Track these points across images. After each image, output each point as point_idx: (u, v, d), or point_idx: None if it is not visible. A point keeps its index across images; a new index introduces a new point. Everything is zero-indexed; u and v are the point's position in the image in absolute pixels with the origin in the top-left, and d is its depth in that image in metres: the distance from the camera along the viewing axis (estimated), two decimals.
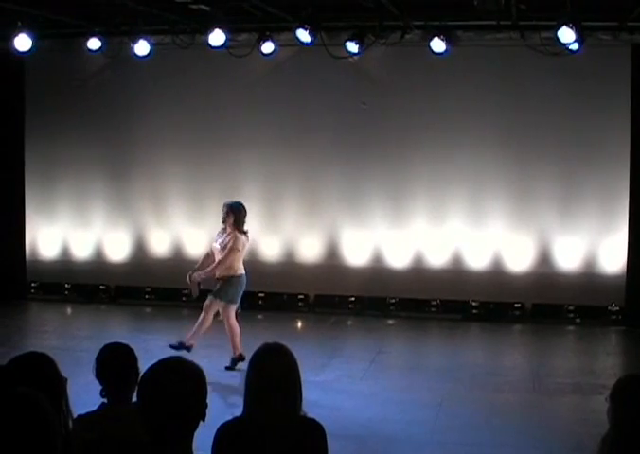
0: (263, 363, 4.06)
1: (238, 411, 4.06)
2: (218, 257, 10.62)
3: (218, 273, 10.59)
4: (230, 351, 10.69)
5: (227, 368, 10.55)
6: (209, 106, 14.70)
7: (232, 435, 4.02)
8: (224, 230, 10.76)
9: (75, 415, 4.05)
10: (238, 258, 10.65)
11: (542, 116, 13.71)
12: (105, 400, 4.61)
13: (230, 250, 10.51)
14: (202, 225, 14.36)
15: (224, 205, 10.76)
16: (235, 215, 10.63)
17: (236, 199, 11.09)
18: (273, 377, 3.98)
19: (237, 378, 9.70)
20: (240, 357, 10.48)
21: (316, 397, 8.51)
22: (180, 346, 10.40)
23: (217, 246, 10.69)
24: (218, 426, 4.01)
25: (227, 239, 10.61)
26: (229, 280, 10.59)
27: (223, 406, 8.24)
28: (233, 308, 10.64)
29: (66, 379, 3.86)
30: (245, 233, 10.71)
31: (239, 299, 10.70)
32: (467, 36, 13.18)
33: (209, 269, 10.59)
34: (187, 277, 10.65)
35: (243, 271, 10.70)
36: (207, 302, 10.69)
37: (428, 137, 14.14)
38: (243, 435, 3.99)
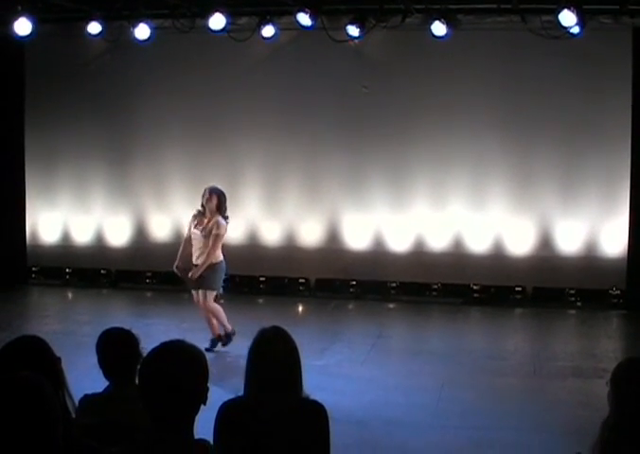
0: (263, 347, 4.07)
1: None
2: (197, 244, 10.50)
3: (195, 259, 10.50)
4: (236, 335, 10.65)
5: (207, 349, 10.16)
6: (209, 90, 14.64)
7: (234, 416, 4.03)
8: (202, 214, 10.57)
9: (76, 400, 4.06)
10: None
11: (543, 100, 13.67)
12: (110, 383, 4.63)
13: (216, 237, 10.38)
14: None
15: (206, 189, 10.58)
16: (219, 198, 10.49)
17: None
18: (273, 361, 4.00)
19: (238, 362, 9.68)
20: (220, 338, 10.61)
21: (317, 382, 8.46)
22: (213, 344, 10.57)
23: (197, 232, 10.51)
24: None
25: (210, 226, 10.46)
26: (211, 268, 10.46)
27: (225, 390, 8.23)
28: (213, 294, 10.57)
29: (59, 358, 3.88)
30: (226, 218, 10.59)
31: (220, 284, 10.65)
32: (467, 19, 13.16)
33: (202, 263, 10.42)
34: (175, 269, 10.68)
35: (222, 257, 10.59)
36: (200, 298, 10.58)
37: (429, 121, 14.10)
38: (246, 418, 4.00)
